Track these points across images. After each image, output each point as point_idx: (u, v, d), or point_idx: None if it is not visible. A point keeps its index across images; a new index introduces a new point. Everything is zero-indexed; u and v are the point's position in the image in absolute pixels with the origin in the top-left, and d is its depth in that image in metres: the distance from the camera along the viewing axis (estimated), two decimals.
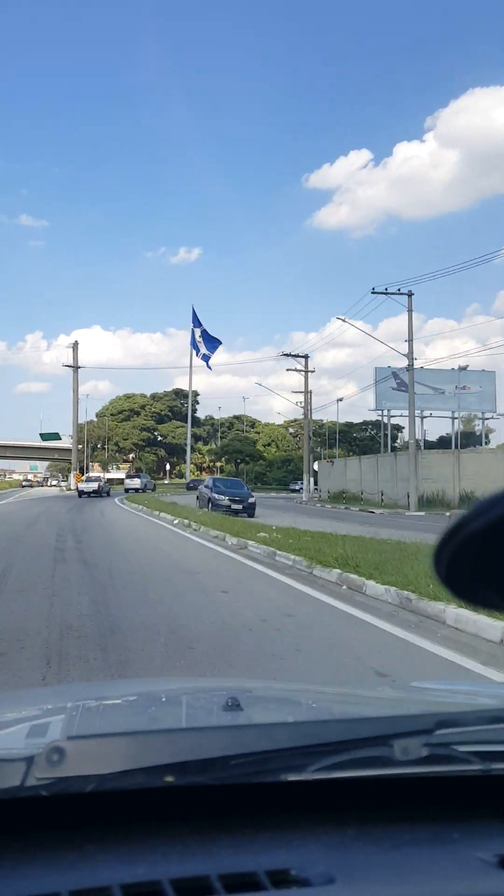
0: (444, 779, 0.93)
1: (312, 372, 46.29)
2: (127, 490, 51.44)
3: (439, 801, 0.93)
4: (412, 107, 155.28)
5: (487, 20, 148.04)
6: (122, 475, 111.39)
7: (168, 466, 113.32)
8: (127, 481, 55.56)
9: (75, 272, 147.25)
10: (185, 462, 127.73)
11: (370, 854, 0.82)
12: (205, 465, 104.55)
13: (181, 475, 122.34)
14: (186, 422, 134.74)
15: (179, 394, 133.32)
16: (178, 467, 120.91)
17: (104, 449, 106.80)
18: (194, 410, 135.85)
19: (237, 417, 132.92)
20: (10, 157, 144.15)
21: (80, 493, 41.28)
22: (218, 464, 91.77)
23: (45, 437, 69.55)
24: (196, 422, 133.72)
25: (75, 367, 64.19)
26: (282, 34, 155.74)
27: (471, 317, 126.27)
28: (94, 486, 41.82)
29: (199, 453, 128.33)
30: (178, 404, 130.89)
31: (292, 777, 0.85)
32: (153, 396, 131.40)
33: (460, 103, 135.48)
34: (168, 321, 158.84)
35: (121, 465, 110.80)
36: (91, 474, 51.00)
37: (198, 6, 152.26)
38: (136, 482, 54.31)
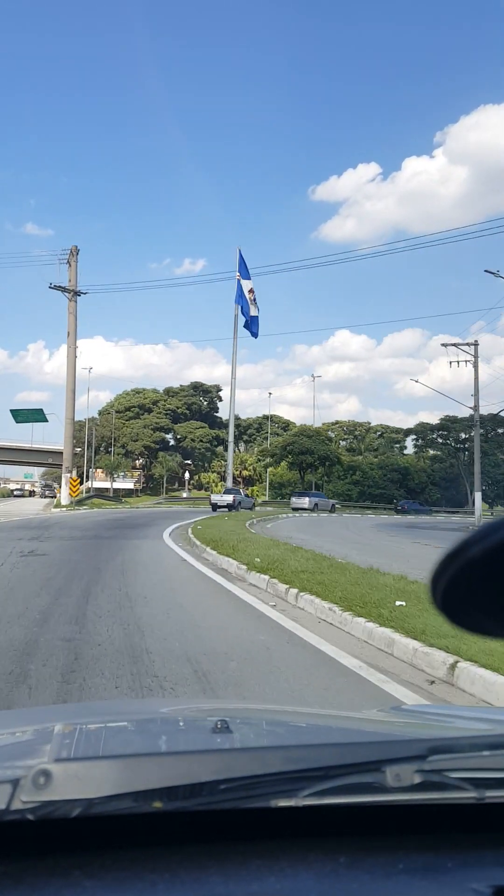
0: (438, 806, 0.90)
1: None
2: (216, 508, 38.55)
3: (433, 829, 0.90)
4: (422, 121, 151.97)
5: (500, 37, 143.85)
6: (129, 484, 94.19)
7: (187, 475, 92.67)
8: (215, 497, 42.21)
9: (79, 281, 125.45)
10: (206, 471, 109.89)
11: (363, 883, 0.80)
12: (245, 472, 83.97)
13: (200, 486, 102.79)
14: (206, 421, 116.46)
15: (199, 389, 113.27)
16: (196, 476, 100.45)
17: (109, 452, 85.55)
18: (215, 408, 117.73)
19: (266, 417, 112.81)
20: (21, 167, 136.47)
21: (215, 507, 37.76)
22: (272, 470, 70.91)
23: (19, 416, 45.07)
24: (216, 421, 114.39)
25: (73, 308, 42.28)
26: (293, 48, 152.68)
27: (476, 333, 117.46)
28: (230, 499, 37.88)
29: (222, 459, 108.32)
30: (197, 401, 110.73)
31: (283, 803, 0.83)
32: (168, 391, 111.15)
33: (471, 119, 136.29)
34: (170, 332, 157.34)
35: (130, 472, 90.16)
36: (229, 487, 44.20)
37: (208, 22, 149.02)
38: (227, 499, 40.24)
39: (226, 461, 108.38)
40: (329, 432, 59.13)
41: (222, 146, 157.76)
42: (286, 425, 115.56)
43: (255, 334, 54.53)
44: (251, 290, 54.39)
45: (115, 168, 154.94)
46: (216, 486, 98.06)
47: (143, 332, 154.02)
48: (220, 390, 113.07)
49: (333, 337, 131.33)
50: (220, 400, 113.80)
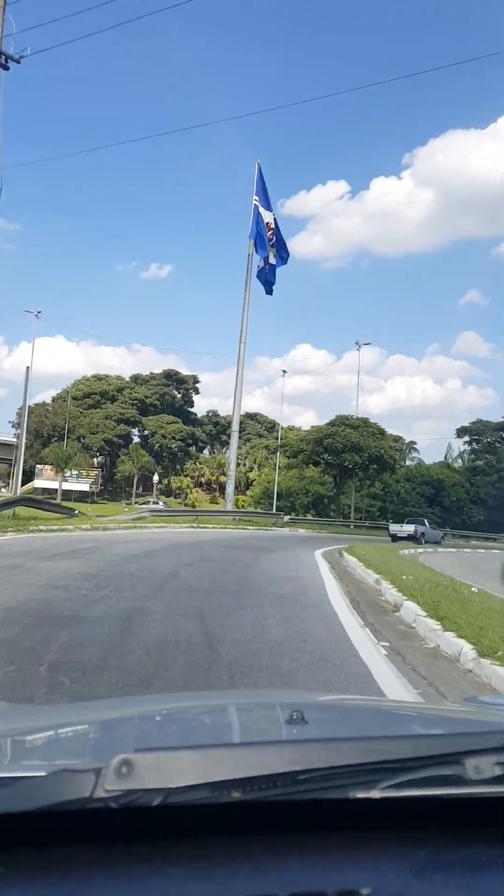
0: None
1: None
2: (396, 538, 32.37)
3: None
4: (392, 142, 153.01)
5: (472, 63, 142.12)
6: (84, 486, 76.61)
7: (156, 478, 75.70)
8: (394, 527, 35.33)
9: (44, 278, 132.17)
10: (178, 474, 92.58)
11: (445, 876, 0.80)
12: (222, 476, 67.04)
13: (170, 492, 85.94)
14: (180, 416, 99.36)
15: (173, 378, 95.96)
16: (166, 480, 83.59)
17: (64, 442, 67.78)
18: (190, 402, 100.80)
19: (251, 416, 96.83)
20: None
21: (395, 538, 32.70)
22: (287, 473, 54.28)
23: None
24: (191, 417, 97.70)
25: None
26: (268, 59, 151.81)
27: (431, 356, 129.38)
28: (411, 528, 33.63)
29: (197, 461, 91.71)
30: (170, 392, 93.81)
31: (360, 794, 0.83)
32: (136, 379, 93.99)
33: (439, 143, 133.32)
34: (134, 337, 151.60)
35: (86, 472, 72.58)
36: (230, 492, 33.84)
37: (183, 27, 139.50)
38: (408, 528, 34.52)
39: (201, 464, 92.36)
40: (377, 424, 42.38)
41: (191, 153, 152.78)
42: (272, 425, 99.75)
43: (269, 289, 38.43)
44: (271, 227, 38.32)
45: (87, 169, 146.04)
46: (191, 491, 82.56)
47: (107, 334, 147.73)
48: (198, 381, 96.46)
49: (295, 350, 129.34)
50: (197, 393, 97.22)
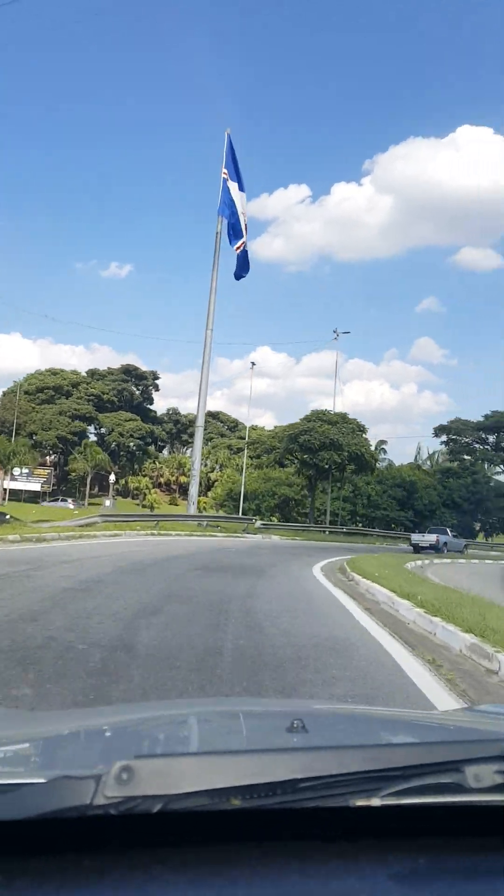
0: None
1: None
2: (418, 549, 31.23)
3: None
4: (354, 148, 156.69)
5: (432, 71, 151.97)
6: (35, 485, 71.77)
7: (112, 478, 71.30)
8: (416, 537, 33.82)
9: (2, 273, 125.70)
10: (136, 474, 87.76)
11: (444, 884, 0.81)
12: (182, 477, 62.37)
13: (127, 493, 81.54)
14: (139, 413, 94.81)
15: (132, 374, 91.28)
16: (123, 480, 79.22)
17: (12, 439, 62.98)
18: (149, 398, 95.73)
19: (213, 415, 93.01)
20: None
21: (417, 549, 31.54)
22: (256, 474, 50.53)
23: None
24: (150, 415, 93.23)
25: None
26: (229, 61, 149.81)
27: (388, 361, 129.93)
28: (433, 538, 32.39)
29: (156, 461, 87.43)
30: (129, 388, 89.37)
31: (361, 802, 0.83)
32: (92, 374, 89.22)
33: (399, 150, 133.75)
34: (93, 336, 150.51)
35: (37, 471, 67.87)
36: (193, 493, 30.75)
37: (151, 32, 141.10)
38: (430, 538, 32.81)
39: (160, 464, 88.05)
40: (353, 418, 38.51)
41: (153, 154, 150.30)
42: (234, 424, 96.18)
43: (239, 273, 35.00)
44: (243, 209, 34.85)
45: (50, 165, 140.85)
46: (149, 492, 78.29)
47: (63, 332, 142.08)
48: (157, 378, 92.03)
49: (255, 352, 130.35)
50: (157, 389, 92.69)
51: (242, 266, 34.41)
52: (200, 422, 32.95)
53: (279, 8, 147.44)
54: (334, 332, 42.90)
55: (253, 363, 42.90)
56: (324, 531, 35.39)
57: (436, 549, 32.40)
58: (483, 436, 49.69)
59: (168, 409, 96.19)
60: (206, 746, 1.26)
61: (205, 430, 77.28)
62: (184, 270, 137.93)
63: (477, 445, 50.85)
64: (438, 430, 52.11)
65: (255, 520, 31.41)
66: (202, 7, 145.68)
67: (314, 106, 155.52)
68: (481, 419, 49.26)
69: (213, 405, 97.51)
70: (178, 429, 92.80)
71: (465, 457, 52.91)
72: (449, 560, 27.44)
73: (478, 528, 60.19)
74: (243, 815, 0.80)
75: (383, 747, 1.04)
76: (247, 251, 34.88)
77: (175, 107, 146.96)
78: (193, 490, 31.75)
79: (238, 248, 34.01)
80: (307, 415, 38.28)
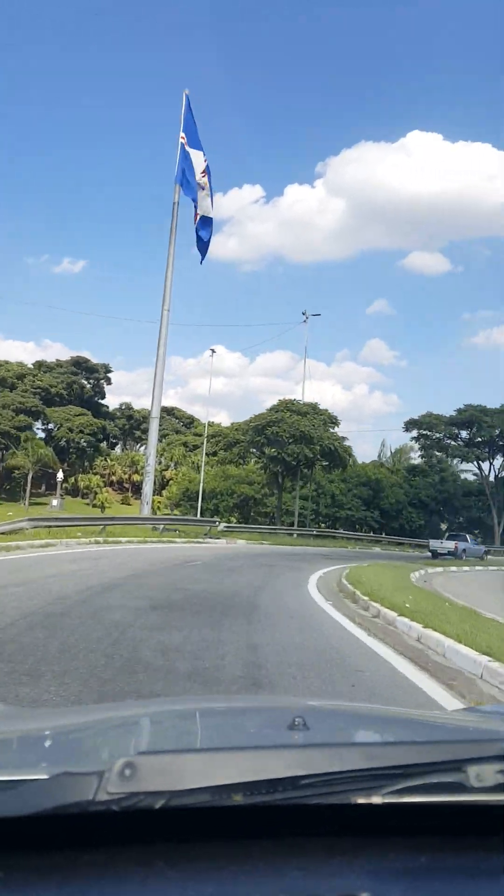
0: None
1: None
2: (436, 555, 30.53)
3: None
4: (306, 150, 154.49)
5: (384, 75, 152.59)
6: None
7: (60, 475, 66.82)
8: (434, 543, 33.09)
9: None
10: (87, 472, 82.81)
11: (445, 883, 0.81)
12: (136, 475, 57.81)
13: (77, 491, 76.96)
14: (90, 408, 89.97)
15: (83, 366, 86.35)
16: (73, 478, 74.68)
17: None
18: (101, 393, 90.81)
19: (168, 411, 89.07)
20: None
21: (435, 554, 31.07)
22: (214, 471, 46.86)
23: None
24: (102, 410, 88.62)
25: None
26: (187, 59, 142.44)
27: (340, 362, 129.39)
28: (451, 545, 31.76)
29: (108, 458, 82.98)
30: (79, 382, 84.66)
31: (361, 800, 0.83)
32: (40, 365, 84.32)
33: (351, 153, 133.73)
34: (43, 332, 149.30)
35: None
36: (147, 491, 27.53)
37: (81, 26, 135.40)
38: (448, 545, 32.10)
39: (113, 461, 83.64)
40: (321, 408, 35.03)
41: (109, 151, 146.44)
42: (190, 420, 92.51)
43: (202, 247, 31.63)
44: (204, 172, 31.45)
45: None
46: (100, 491, 73.93)
47: (12, 328, 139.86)
48: (110, 371, 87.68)
49: (207, 352, 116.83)
50: (109, 383, 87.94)
51: (205, 232, 31.01)
52: (156, 412, 29.48)
53: (232, 8, 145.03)
54: (303, 313, 39.78)
55: (213, 350, 39.42)
56: (292, 534, 32.31)
57: (454, 555, 31.68)
58: (455, 431, 47.27)
59: (121, 405, 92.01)
60: (208, 743, 1.26)
61: (159, 425, 73.45)
62: (139, 266, 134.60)
63: (449, 441, 48.41)
64: (409, 425, 49.47)
65: (218, 522, 28.00)
66: (154, 7, 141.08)
67: (268, 107, 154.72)
68: (454, 413, 46.83)
69: (167, 403, 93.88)
70: (132, 425, 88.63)
71: (437, 453, 50.49)
72: (468, 568, 24.86)
73: (444, 529, 58.03)
74: (245, 811, 0.80)
75: (385, 745, 1.02)
76: (211, 218, 31.51)
77: (129, 105, 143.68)
78: (148, 488, 28.28)
79: (197, 217, 30.65)
80: (274, 405, 34.90)
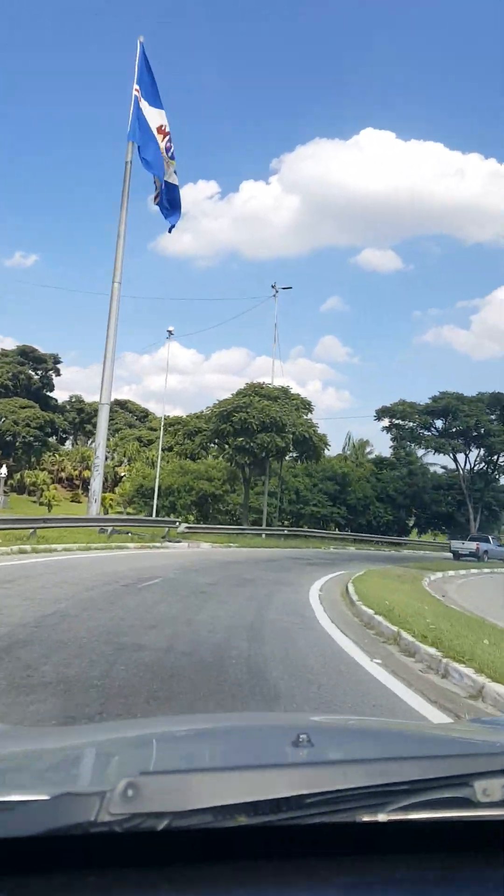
0: None
1: None
2: (459, 556, 30.62)
3: None
4: (262, 146, 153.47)
5: (339, 72, 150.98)
6: None
7: (4, 471, 61.98)
8: (455, 544, 32.88)
9: None
10: (34, 468, 77.48)
11: None
12: (85, 471, 53.79)
13: (23, 488, 72.01)
14: (37, 401, 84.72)
15: (30, 356, 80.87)
16: (18, 475, 69.78)
17: None
18: (50, 385, 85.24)
19: (121, 404, 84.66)
20: None
21: (456, 555, 30.92)
22: (170, 466, 42.86)
23: None
24: (51, 403, 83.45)
25: None
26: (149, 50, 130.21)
27: (294, 359, 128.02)
28: (473, 546, 31.29)
29: (56, 453, 78.06)
30: (25, 372, 79.53)
31: (368, 818, 0.82)
32: None
33: (306, 150, 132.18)
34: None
35: None
36: (97, 488, 24.18)
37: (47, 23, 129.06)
38: (470, 546, 31.63)
39: (61, 456, 78.81)
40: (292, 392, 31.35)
41: (59, 148, 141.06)
42: (144, 414, 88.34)
43: (171, 218, 27.92)
44: (165, 131, 27.69)
45: None
46: (47, 488, 69.13)
47: None
48: (59, 362, 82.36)
49: (163, 348, 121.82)
50: (58, 375, 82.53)
51: (172, 205, 27.23)
52: (106, 397, 25.73)
53: (185, 2, 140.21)
54: (273, 286, 36.26)
55: (170, 331, 35.61)
56: (260, 534, 28.91)
57: (476, 556, 30.44)
58: (430, 420, 44.48)
59: (71, 397, 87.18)
60: (211, 762, 1.22)
61: (111, 420, 69.46)
62: (91, 263, 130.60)
63: (423, 432, 45.61)
64: (381, 413, 46.47)
65: (178, 522, 24.32)
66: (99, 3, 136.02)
67: (223, 103, 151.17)
68: (429, 401, 43.95)
69: (120, 397, 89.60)
70: (83, 419, 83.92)
71: (410, 444, 47.69)
72: (489, 570, 21.94)
73: (411, 525, 55.54)
74: (250, 831, 0.79)
75: (390, 761, 1.00)
76: (177, 186, 27.70)
77: (83, 103, 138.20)
78: (97, 484, 24.61)
79: (156, 196, 26.87)
80: (241, 389, 30.82)
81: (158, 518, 30.39)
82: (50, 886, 0.75)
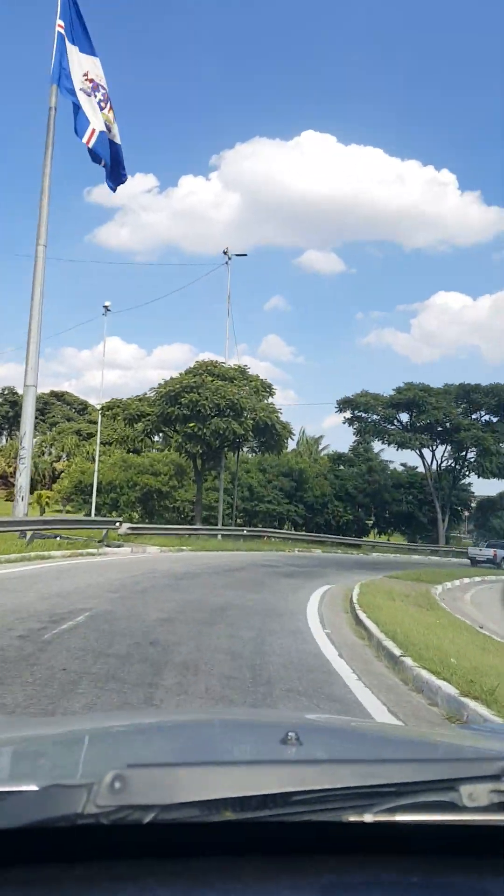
0: None
1: None
2: (476, 562, 30.55)
3: None
4: (202, 141, 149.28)
5: (280, 73, 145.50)
6: None
7: None
8: (472, 550, 33.15)
9: None
10: None
11: None
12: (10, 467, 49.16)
13: None
14: None
15: None
16: None
17: None
18: None
19: (58, 396, 79.48)
20: None
21: (473, 562, 30.58)
22: (111, 459, 38.42)
23: None
24: None
25: None
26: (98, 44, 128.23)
27: (239, 357, 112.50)
28: (490, 553, 30.82)
29: None
30: None
31: (353, 818, 0.82)
32: None
33: (246, 148, 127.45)
34: None
35: None
36: (24, 483, 20.22)
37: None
38: (487, 553, 31.37)
39: None
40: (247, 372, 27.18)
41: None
42: (83, 407, 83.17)
43: (115, 177, 23.73)
44: (93, 80, 23.43)
45: None
46: None
47: None
48: None
49: (104, 343, 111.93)
50: None
51: (114, 165, 23.06)
52: (32, 379, 21.30)
53: None
54: (225, 252, 32.22)
55: (106, 307, 31.45)
56: (216, 535, 25.15)
57: (494, 563, 29.87)
58: (395, 413, 41.60)
59: (3, 389, 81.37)
60: (199, 757, 1.21)
61: (48, 413, 63.43)
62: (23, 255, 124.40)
63: (387, 426, 42.68)
64: (342, 404, 43.25)
65: (120, 523, 20.23)
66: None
67: (161, 96, 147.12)
68: (393, 393, 41.03)
69: (57, 388, 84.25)
70: (17, 412, 78.24)
71: (374, 438, 44.68)
72: (467, 580, 18.91)
73: (371, 525, 52.66)
74: (236, 826, 0.79)
75: (378, 763, 1.01)
76: (118, 145, 23.52)
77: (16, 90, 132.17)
78: (24, 480, 20.27)
79: (89, 139, 22.71)
80: (192, 367, 26.57)
81: (96, 518, 26.18)
82: (37, 878, 0.74)
